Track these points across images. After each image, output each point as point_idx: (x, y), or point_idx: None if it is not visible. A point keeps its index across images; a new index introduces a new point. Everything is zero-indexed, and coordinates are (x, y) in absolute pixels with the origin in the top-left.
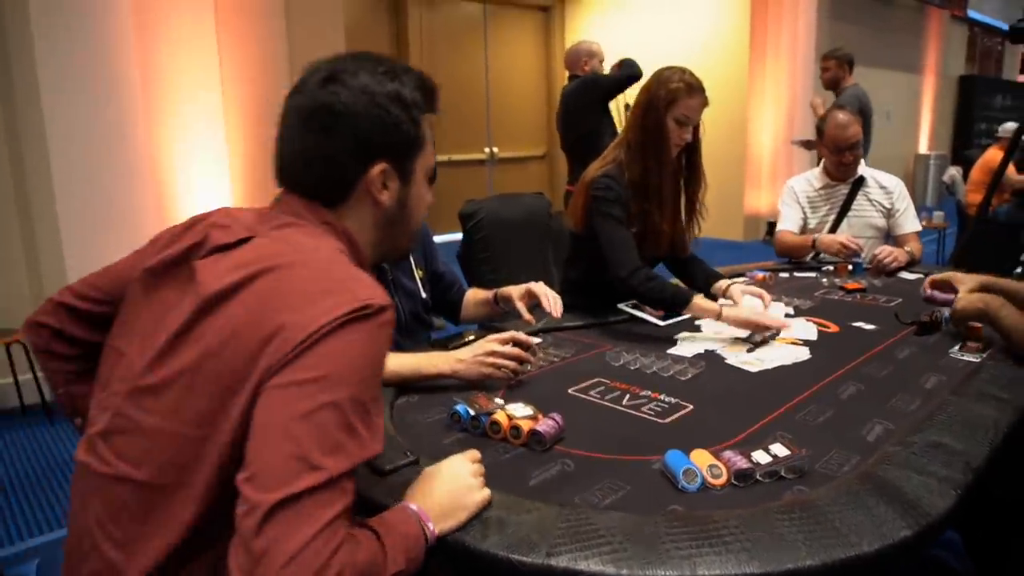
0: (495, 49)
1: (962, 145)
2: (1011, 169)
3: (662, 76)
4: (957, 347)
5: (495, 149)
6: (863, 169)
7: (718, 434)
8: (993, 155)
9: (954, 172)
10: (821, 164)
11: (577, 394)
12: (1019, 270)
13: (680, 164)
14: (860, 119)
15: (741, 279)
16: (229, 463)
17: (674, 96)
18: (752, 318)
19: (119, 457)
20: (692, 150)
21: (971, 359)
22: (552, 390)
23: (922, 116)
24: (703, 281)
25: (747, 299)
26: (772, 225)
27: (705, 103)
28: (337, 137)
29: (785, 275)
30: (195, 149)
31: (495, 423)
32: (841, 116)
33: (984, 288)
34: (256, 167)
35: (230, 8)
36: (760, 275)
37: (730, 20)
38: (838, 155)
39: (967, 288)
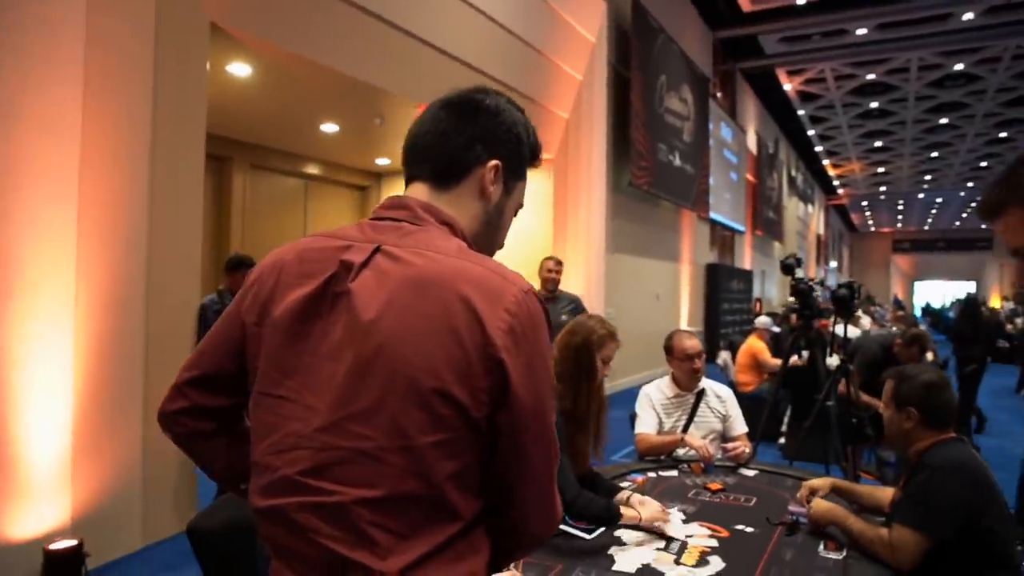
0: (315, 222)
1: (712, 321)
2: (766, 354)
3: (587, 325)
4: (821, 545)
5: None
6: (704, 382)
7: None
8: (753, 342)
9: (726, 356)
10: (670, 375)
11: None
12: (782, 440)
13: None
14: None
15: (625, 483)
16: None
17: (603, 341)
18: (660, 514)
19: (348, 484)
20: (599, 385)
21: (835, 556)
22: None
23: (682, 297)
24: (607, 493)
25: (646, 511)
26: None
27: (618, 346)
28: (472, 124)
29: (652, 475)
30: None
31: None
32: (684, 331)
33: (835, 489)
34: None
35: (94, 157)
36: (639, 479)
37: (538, 209)
38: (688, 362)
39: (821, 494)
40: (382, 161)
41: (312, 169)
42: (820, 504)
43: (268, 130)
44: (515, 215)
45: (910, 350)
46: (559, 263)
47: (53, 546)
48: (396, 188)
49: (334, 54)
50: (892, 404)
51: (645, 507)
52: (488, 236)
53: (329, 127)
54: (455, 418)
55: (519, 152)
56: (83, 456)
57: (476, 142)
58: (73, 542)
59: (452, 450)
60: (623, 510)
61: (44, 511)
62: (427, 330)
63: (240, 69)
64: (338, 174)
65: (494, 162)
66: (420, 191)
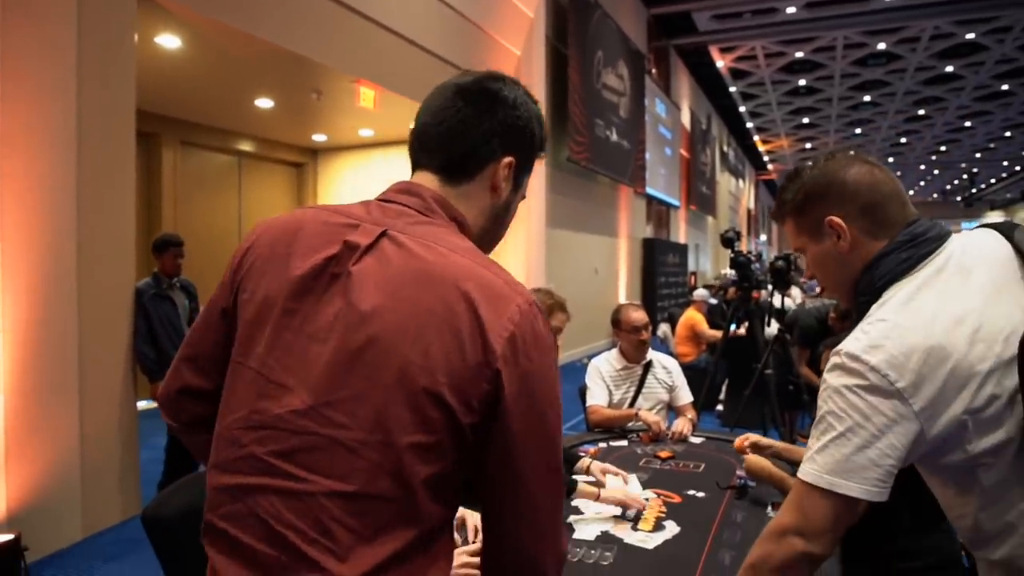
0: (249, 200)
1: (650, 294)
2: (704, 326)
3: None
4: (769, 508)
5: None
6: (651, 354)
7: None
8: (691, 315)
9: (665, 328)
10: (618, 348)
11: None
12: (720, 407)
13: None
14: None
15: (581, 454)
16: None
17: (551, 311)
18: (622, 498)
19: (319, 473)
20: None
21: None
22: None
23: (620, 271)
24: (566, 462)
25: (610, 479)
26: None
27: (568, 318)
28: (491, 118)
29: (603, 445)
30: None
31: None
32: (631, 304)
33: (774, 453)
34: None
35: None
36: (592, 449)
37: None
38: (635, 334)
39: (770, 450)
40: (319, 137)
41: (246, 146)
42: (751, 458)
43: (199, 105)
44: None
45: (844, 323)
46: None
47: None
48: (333, 165)
49: (268, 26)
50: None
51: (607, 479)
52: (493, 231)
53: (264, 102)
54: (441, 421)
55: (532, 147)
56: (16, 448)
57: (493, 137)
58: (10, 536)
59: (432, 454)
60: (581, 487)
61: None
62: (426, 326)
63: (169, 41)
64: (273, 151)
65: (508, 159)
66: (430, 181)
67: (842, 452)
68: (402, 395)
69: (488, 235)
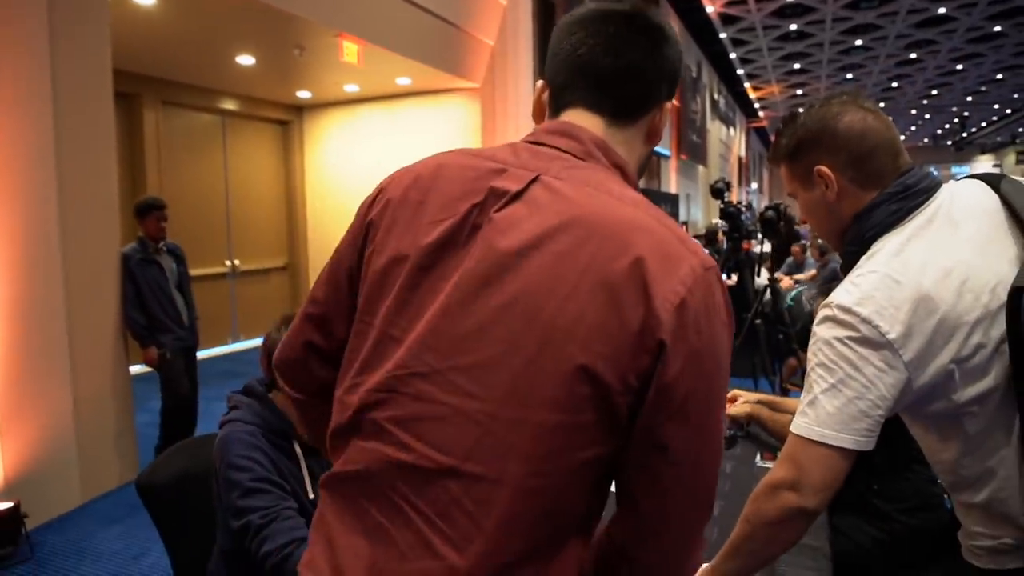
0: (235, 160)
1: None
2: None
3: None
4: (758, 456)
5: (236, 262)
6: None
7: None
8: None
9: None
10: None
11: None
12: None
13: None
14: None
15: None
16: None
17: None
18: None
19: (438, 448)
20: None
21: (771, 466)
22: None
23: None
24: None
25: None
26: None
27: None
28: (664, 59)
29: None
30: None
31: None
32: None
33: (759, 402)
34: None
35: None
36: None
37: (465, 140)
38: None
39: (742, 400)
40: (303, 94)
41: (229, 104)
42: (741, 405)
43: (179, 64)
44: None
45: None
46: None
47: None
48: (318, 122)
49: None
50: None
51: None
52: (642, 171)
53: (245, 59)
54: (590, 399)
55: (676, 89)
56: (10, 417)
57: (664, 80)
58: (9, 504)
59: (576, 436)
60: None
61: None
62: (580, 285)
63: None
64: (257, 109)
65: (669, 104)
66: (592, 122)
67: (834, 404)
68: (545, 364)
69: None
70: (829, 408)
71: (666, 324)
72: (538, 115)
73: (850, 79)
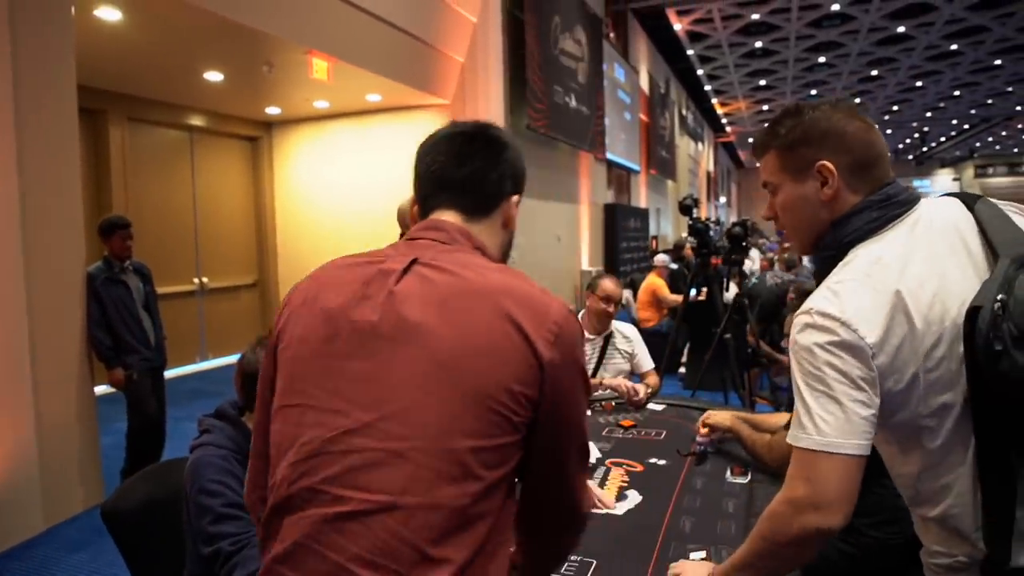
0: (203, 177)
1: (612, 260)
2: (665, 291)
3: None
4: (728, 472)
5: (205, 279)
6: (611, 324)
7: None
8: (652, 280)
9: (627, 294)
10: (581, 316)
11: None
12: (683, 369)
13: None
14: None
15: None
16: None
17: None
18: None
19: (376, 491)
20: None
21: (741, 481)
22: None
23: (582, 238)
24: None
25: None
26: None
27: None
28: (503, 163)
29: None
30: None
31: None
32: (612, 277)
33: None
34: None
35: None
36: None
37: None
38: (605, 304)
39: (724, 427)
40: (272, 110)
41: (197, 120)
42: (716, 414)
43: (145, 80)
44: None
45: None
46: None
47: None
48: (287, 138)
49: None
50: None
51: None
52: (502, 261)
53: (213, 75)
54: (500, 423)
55: (523, 182)
56: None
57: (505, 179)
58: None
59: (494, 455)
60: None
61: None
62: (477, 336)
63: (109, 13)
64: (226, 125)
65: (516, 196)
66: (454, 218)
67: (829, 411)
68: (461, 401)
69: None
70: (826, 416)
71: (546, 358)
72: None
73: (814, 95)
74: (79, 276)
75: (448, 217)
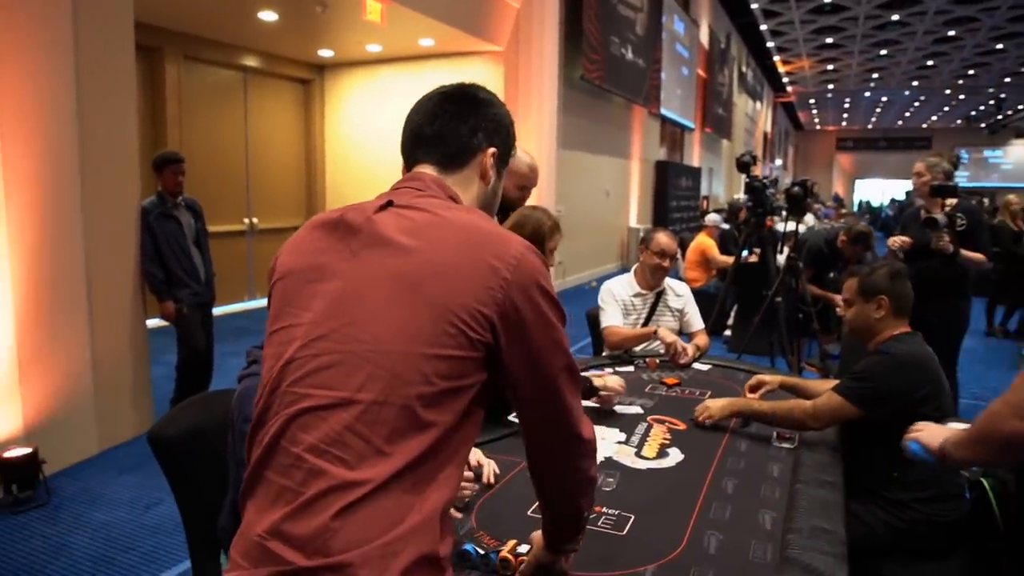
0: (255, 118)
1: (661, 218)
2: (715, 251)
3: (535, 216)
4: (774, 435)
5: (255, 220)
6: (664, 281)
7: (670, 537)
8: (703, 240)
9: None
10: (633, 272)
11: (536, 515)
12: (728, 332)
13: None
14: None
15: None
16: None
17: (551, 231)
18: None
19: (335, 388)
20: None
21: (787, 446)
22: (511, 514)
23: (631, 194)
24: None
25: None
26: None
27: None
28: (475, 117)
29: (609, 371)
30: None
31: (505, 561)
32: (667, 231)
33: (783, 385)
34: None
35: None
36: (598, 374)
37: None
38: (659, 258)
39: (768, 387)
40: (325, 53)
41: (251, 61)
42: (714, 403)
43: (201, 18)
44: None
45: (855, 248)
46: None
47: (7, 454)
48: (339, 82)
49: None
50: (859, 298)
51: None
52: (486, 212)
53: (267, 15)
54: (459, 337)
55: (508, 141)
56: (30, 365)
57: (478, 131)
58: (27, 450)
59: (448, 364)
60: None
61: None
62: (448, 258)
63: None
64: (279, 66)
65: (492, 149)
66: (429, 170)
67: None
68: (423, 312)
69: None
70: None
71: (510, 281)
72: None
73: (884, 55)
74: (134, 210)
75: (425, 170)
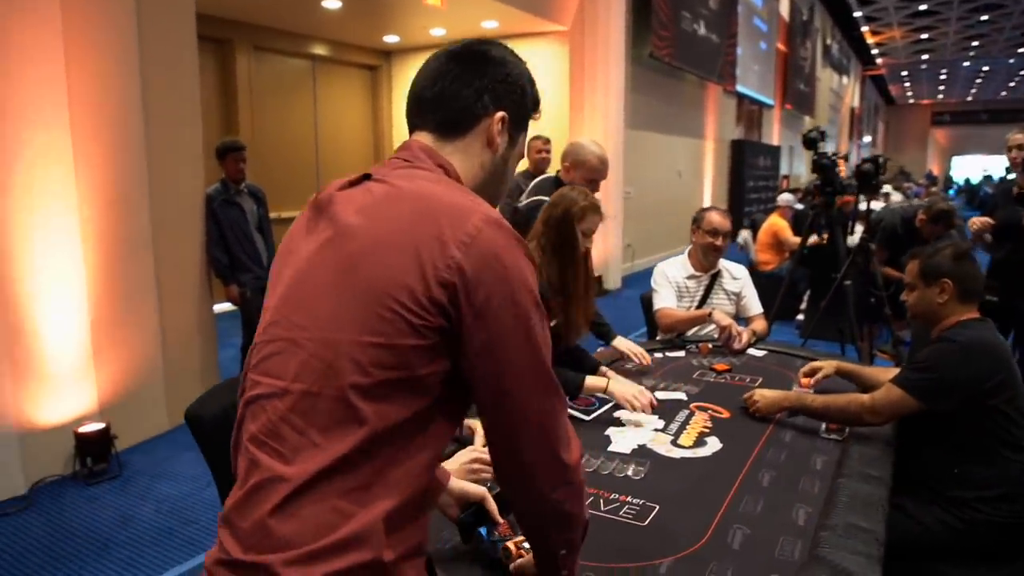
0: (324, 105)
1: (737, 199)
2: (788, 233)
3: (569, 196)
4: (823, 427)
5: None
6: (719, 263)
7: (693, 530)
8: (775, 220)
9: (746, 235)
10: (687, 253)
11: None
12: (801, 316)
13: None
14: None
15: (630, 364)
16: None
17: (584, 212)
18: (631, 394)
19: (275, 376)
20: (586, 256)
21: (836, 438)
22: None
23: (705, 174)
24: (591, 370)
25: (620, 379)
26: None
27: (602, 219)
28: (480, 76)
29: (659, 355)
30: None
31: (507, 551)
32: (717, 208)
33: (839, 371)
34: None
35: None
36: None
37: (552, 86)
38: (712, 237)
39: (824, 373)
40: (390, 39)
41: (318, 49)
42: (765, 394)
43: (268, 9)
44: (517, 163)
45: (935, 227)
46: (547, 141)
47: (82, 429)
48: (406, 67)
49: None
50: (921, 281)
51: (615, 381)
52: (494, 185)
53: (331, 3)
54: (396, 322)
55: (523, 104)
56: (103, 345)
57: (484, 94)
58: (101, 425)
59: (385, 353)
60: (589, 380)
61: (71, 398)
62: (390, 236)
63: None
64: (346, 54)
65: (501, 114)
66: (425, 138)
67: None
68: (359, 296)
69: (489, 188)
70: None
71: (458, 262)
72: None
73: (985, 20)
74: (199, 198)
75: (420, 138)
